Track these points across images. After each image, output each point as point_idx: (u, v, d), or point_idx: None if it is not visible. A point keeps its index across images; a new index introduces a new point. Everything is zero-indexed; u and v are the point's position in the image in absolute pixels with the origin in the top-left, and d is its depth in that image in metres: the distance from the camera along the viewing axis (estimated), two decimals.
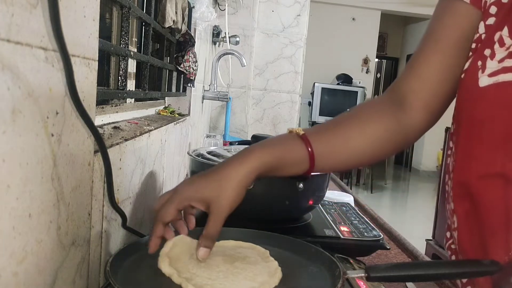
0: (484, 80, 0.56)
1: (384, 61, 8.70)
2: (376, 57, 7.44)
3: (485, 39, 0.58)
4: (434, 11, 0.66)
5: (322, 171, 0.61)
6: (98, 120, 0.78)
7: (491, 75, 0.55)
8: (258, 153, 0.55)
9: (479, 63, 0.57)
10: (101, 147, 0.51)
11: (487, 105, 0.56)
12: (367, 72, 7.14)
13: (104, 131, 0.70)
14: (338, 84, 6.73)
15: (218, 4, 2.26)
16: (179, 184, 0.56)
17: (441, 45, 0.63)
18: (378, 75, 8.64)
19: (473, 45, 0.60)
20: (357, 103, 6.58)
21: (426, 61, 0.64)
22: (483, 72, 0.56)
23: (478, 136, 0.57)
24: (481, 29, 0.59)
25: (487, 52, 0.57)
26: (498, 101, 0.54)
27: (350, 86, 6.71)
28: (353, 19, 6.95)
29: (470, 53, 0.60)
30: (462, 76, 0.61)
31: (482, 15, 0.59)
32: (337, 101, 6.56)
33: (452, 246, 0.67)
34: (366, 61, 7.11)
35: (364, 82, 6.96)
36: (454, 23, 0.62)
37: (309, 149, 0.58)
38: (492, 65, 0.55)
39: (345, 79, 6.75)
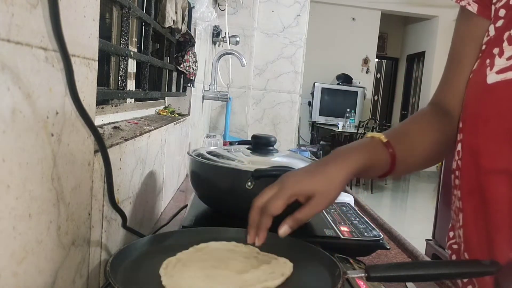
0: (492, 77, 0.57)
1: (384, 61, 8.69)
2: (376, 57, 7.44)
3: (493, 39, 0.60)
4: (455, 24, 0.70)
5: (395, 174, 0.66)
6: (98, 120, 0.78)
7: (499, 72, 0.56)
8: (354, 156, 0.60)
9: (488, 61, 0.59)
10: (101, 147, 0.51)
11: (495, 101, 0.57)
12: (367, 72, 7.13)
13: (104, 131, 0.70)
14: (338, 84, 6.73)
15: (218, 4, 2.26)
16: (281, 179, 0.59)
17: (464, 62, 0.66)
18: (378, 75, 8.64)
19: (483, 47, 0.62)
20: (357, 103, 6.59)
21: (456, 78, 0.68)
22: (491, 69, 0.58)
23: (484, 133, 0.59)
24: (492, 31, 0.61)
25: (495, 50, 0.58)
26: (506, 97, 0.56)
27: (350, 86, 6.71)
28: (353, 19, 6.95)
29: (480, 55, 0.62)
30: (471, 76, 0.63)
31: (492, 20, 0.61)
32: (337, 101, 6.56)
33: (454, 246, 0.68)
34: (366, 61, 7.11)
35: (364, 82, 6.96)
36: (470, 36, 0.65)
37: (392, 153, 0.62)
38: (500, 62, 0.57)
39: (345, 79, 6.75)
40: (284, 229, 0.57)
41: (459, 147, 0.64)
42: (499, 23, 0.59)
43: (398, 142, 0.64)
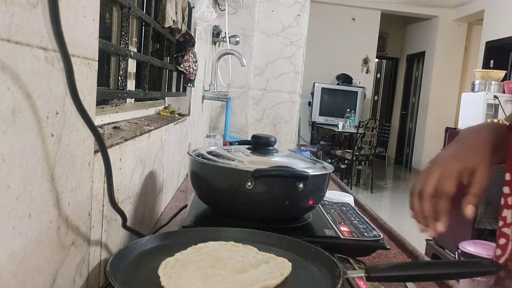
0: None
1: (384, 61, 8.69)
2: (376, 57, 7.44)
3: None
4: None
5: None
6: (98, 120, 0.78)
7: None
8: (491, 132, 0.66)
9: None
10: (101, 147, 0.51)
11: None
12: (367, 72, 7.14)
13: (104, 131, 0.70)
14: (338, 84, 6.73)
15: (218, 4, 2.26)
16: (437, 163, 0.63)
17: None
18: (378, 75, 8.64)
19: None
20: (357, 103, 6.59)
21: None
22: None
23: None
24: None
25: None
26: None
27: (350, 86, 6.71)
28: (353, 19, 6.95)
29: None
30: None
31: None
32: (337, 101, 6.56)
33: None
34: (366, 61, 7.11)
35: (364, 82, 6.96)
36: None
37: None
38: None
39: (345, 79, 6.75)
40: (470, 209, 0.60)
41: None
42: None
43: None
